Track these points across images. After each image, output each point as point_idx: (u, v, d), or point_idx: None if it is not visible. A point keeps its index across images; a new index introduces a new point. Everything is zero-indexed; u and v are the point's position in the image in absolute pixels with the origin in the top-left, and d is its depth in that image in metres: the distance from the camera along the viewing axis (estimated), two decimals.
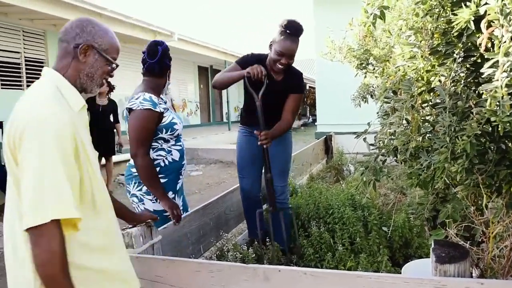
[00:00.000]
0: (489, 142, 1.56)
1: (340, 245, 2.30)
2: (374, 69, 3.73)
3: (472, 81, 1.67)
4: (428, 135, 1.89)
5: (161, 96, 2.10)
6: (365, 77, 4.05)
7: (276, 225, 2.69)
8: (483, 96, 1.40)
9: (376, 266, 2.29)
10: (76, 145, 1.08)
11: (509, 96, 1.16)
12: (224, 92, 17.49)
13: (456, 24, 1.44)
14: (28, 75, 8.80)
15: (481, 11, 1.36)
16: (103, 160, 6.07)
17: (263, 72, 2.34)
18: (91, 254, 1.14)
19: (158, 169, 2.05)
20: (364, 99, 4.35)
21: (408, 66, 1.82)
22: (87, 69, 1.21)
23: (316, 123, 8.15)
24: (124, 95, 11.76)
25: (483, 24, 1.32)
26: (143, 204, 2.09)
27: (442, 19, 1.70)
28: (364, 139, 2.28)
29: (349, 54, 4.07)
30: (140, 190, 2.07)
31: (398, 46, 2.06)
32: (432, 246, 1.37)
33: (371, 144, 2.18)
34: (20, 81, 8.68)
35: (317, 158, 5.73)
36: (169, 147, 2.08)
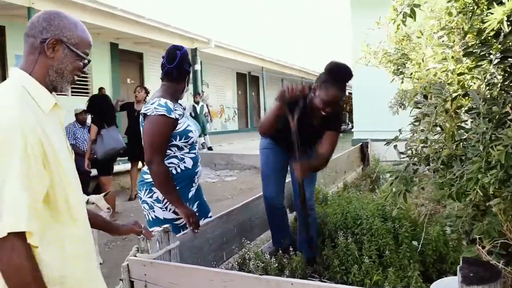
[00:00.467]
0: None
1: (367, 257, 2.18)
2: (411, 74, 3.57)
3: (509, 84, 1.53)
4: (462, 142, 1.76)
5: (179, 102, 2.09)
6: (402, 82, 3.89)
7: (302, 233, 2.62)
8: None
9: (407, 281, 2.15)
10: (44, 150, 1.03)
11: None
12: (261, 98, 17.53)
13: (487, 24, 1.32)
14: (77, 81, 9.17)
15: None
16: (140, 164, 6.20)
17: (298, 89, 2.16)
18: (69, 263, 1.10)
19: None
20: (402, 106, 4.17)
21: (439, 68, 1.70)
22: (56, 65, 1.14)
23: (353, 130, 7.96)
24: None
25: None
26: (153, 211, 2.04)
27: (476, 17, 1.58)
28: (395, 147, 2.17)
29: (384, 58, 3.92)
30: (151, 197, 2.03)
31: (430, 48, 1.94)
32: (460, 264, 1.25)
33: (401, 153, 2.07)
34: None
35: (352, 165, 5.56)
36: (183, 154, 2.03)
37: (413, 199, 3.66)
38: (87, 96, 9.94)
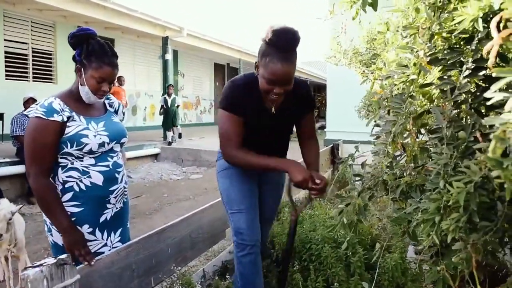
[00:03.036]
0: (499, 190, 1.10)
1: None
2: (383, 75, 3.34)
3: (481, 102, 1.23)
4: (424, 170, 1.46)
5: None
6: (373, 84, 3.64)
7: None
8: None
9: None
10: None
11: None
12: None
13: (458, 23, 1.02)
14: (34, 67, 8.64)
15: (496, 4, 0.93)
16: None
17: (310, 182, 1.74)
18: None
19: (71, 194, 1.62)
20: (369, 111, 3.91)
21: (398, 77, 1.39)
22: None
23: (325, 130, 7.69)
24: (135, 90, 11.56)
25: (494, 24, 0.89)
26: (52, 235, 1.68)
27: (448, 15, 1.27)
28: (350, 166, 1.86)
29: (354, 58, 3.66)
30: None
31: (393, 50, 1.64)
32: None
33: (356, 175, 1.77)
34: (26, 72, 8.52)
35: (320, 169, 5.27)
36: (86, 167, 1.64)
37: (376, 209, 3.40)
38: (51, 83, 9.43)
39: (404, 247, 2.45)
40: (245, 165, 1.79)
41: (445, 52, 1.29)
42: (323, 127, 20.86)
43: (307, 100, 1.93)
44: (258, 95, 1.78)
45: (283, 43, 1.63)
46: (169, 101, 9.35)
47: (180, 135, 9.35)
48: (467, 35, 1.24)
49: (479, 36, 1.15)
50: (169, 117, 9.22)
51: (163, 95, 9.67)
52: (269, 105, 1.81)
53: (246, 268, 1.89)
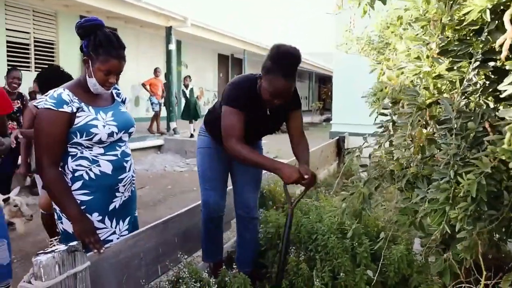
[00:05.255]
0: (507, 179, 1.11)
1: (319, 279, 1.90)
2: (394, 65, 3.33)
3: (491, 93, 1.23)
4: (431, 160, 1.46)
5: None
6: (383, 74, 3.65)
7: (241, 243, 2.38)
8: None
9: None
10: None
11: None
12: None
13: (466, 14, 1.01)
14: (36, 56, 8.63)
15: None
16: None
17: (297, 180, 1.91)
18: None
19: (80, 182, 1.65)
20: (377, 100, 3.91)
21: (412, 70, 1.38)
22: None
23: (331, 122, 7.66)
24: (138, 81, 11.55)
25: (507, 18, 0.89)
26: (62, 223, 1.71)
27: (458, 6, 1.26)
28: (358, 157, 1.87)
29: (367, 46, 3.62)
30: None
31: (403, 41, 1.63)
32: None
33: (362, 165, 1.78)
34: (28, 62, 8.51)
35: (326, 161, 5.29)
36: (95, 156, 1.65)
37: (385, 200, 3.42)
38: None
39: (410, 239, 2.46)
40: (242, 159, 1.94)
41: (455, 43, 1.29)
42: (328, 120, 20.78)
43: (294, 100, 2.12)
44: (257, 97, 1.98)
45: (286, 64, 1.85)
46: (187, 92, 9.42)
47: (192, 135, 9.33)
48: (477, 27, 1.23)
49: (489, 28, 1.15)
50: (191, 108, 9.26)
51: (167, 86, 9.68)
52: (265, 107, 2.02)
53: (208, 234, 2.35)
